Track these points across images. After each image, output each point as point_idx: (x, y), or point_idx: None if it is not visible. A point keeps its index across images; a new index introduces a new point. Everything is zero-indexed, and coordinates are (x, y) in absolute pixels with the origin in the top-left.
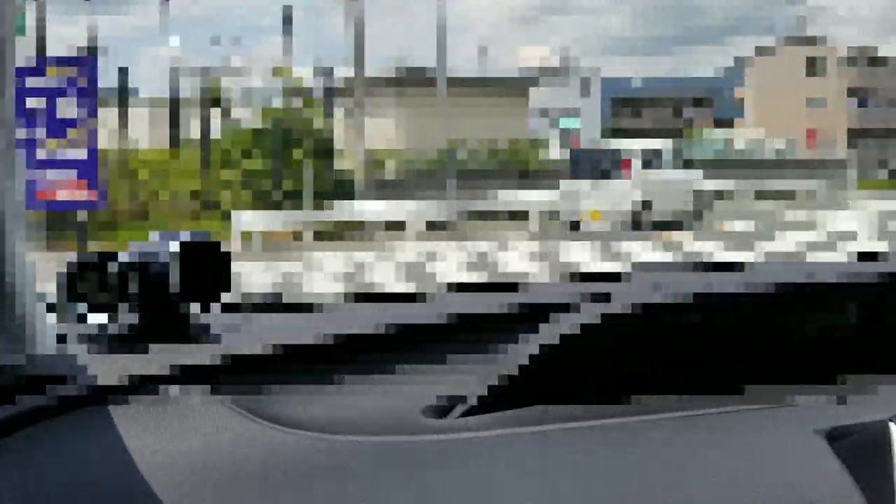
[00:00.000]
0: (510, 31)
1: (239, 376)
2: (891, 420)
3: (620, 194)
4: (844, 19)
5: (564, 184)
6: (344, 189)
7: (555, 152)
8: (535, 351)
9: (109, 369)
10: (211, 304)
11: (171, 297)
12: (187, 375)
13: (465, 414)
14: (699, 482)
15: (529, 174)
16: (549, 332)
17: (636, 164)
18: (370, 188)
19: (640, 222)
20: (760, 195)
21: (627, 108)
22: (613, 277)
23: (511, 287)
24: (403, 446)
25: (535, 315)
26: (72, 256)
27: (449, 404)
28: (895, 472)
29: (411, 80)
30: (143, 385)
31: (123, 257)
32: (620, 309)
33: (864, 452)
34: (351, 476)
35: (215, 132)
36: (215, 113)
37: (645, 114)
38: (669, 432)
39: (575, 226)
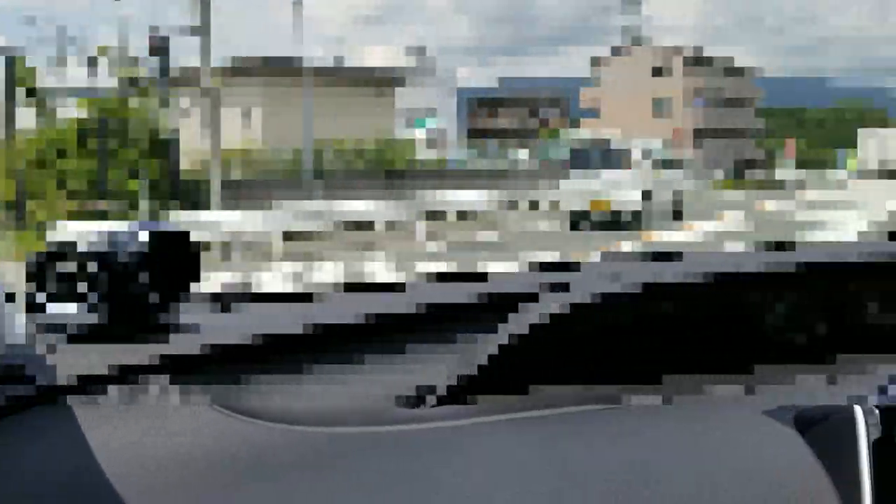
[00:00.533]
0: (356, 30)
1: (213, 368)
2: (855, 403)
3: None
4: (672, 28)
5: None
6: (189, 195)
7: (422, 153)
8: (504, 341)
9: (76, 361)
10: (180, 294)
11: (139, 288)
12: (159, 368)
13: (437, 404)
14: (669, 468)
15: (398, 174)
16: (517, 322)
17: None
18: (225, 193)
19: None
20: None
21: (483, 108)
22: (574, 267)
23: (480, 277)
24: (377, 437)
25: (501, 305)
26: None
27: (421, 394)
28: (860, 455)
29: (272, 70)
30: (113, 377)
31: (92, 247)
32: (580, 298)
33: (831, 435)
34: (326, 467)
35: (29, 126)
36: (30, 104)
37: (501, 114)
38: (636, 419)
39: (574, 226)
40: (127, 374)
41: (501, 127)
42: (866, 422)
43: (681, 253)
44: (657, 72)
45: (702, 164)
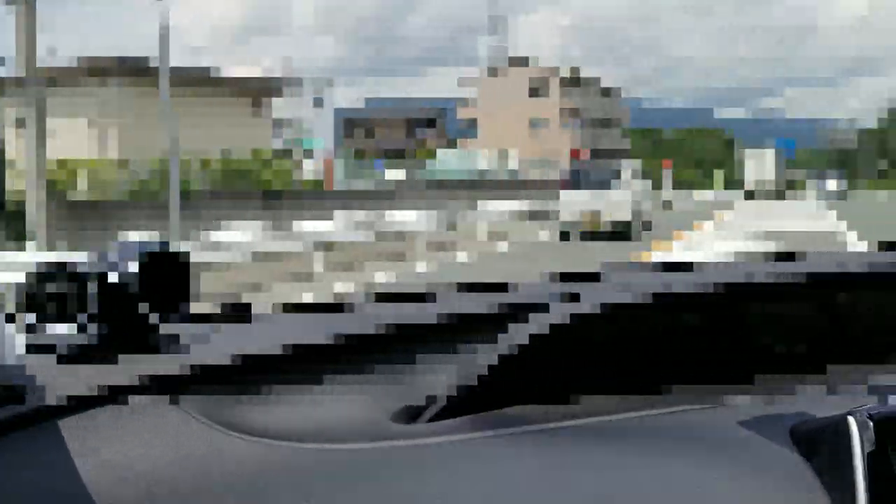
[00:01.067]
0: (222, 45)
1: (205, 386)
2: (849, 414)
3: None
4: (532, 47)
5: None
6: (13, 221)
7: (306, 172)
8: (504, 351)
9: (71, 381)
10: (171, 313)
11: (136, 306)
12: (152, 386)
13: (435, 418)
14: (672, 482)
15: (277, 195)
16: (518, 333)
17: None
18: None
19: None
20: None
21: (360, 128)
22: (591, 277)
23: (498, 287)
24: (371, 453)
25: (512, 315)
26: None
27: (418, 408)
28: (854, 466)
29: (131, 71)
30: (106, 397)
31: (84, 267)
32: (589, 309)
33: (826, 447)
34: (319, 484)
35: None
36: None
37: (378, 133)
38: (644, 432)
39: (565, 236)
40: (120, 394)
41: (381, 147)
42: (860, 433)
43: (690, 263)
44: (534, 92)
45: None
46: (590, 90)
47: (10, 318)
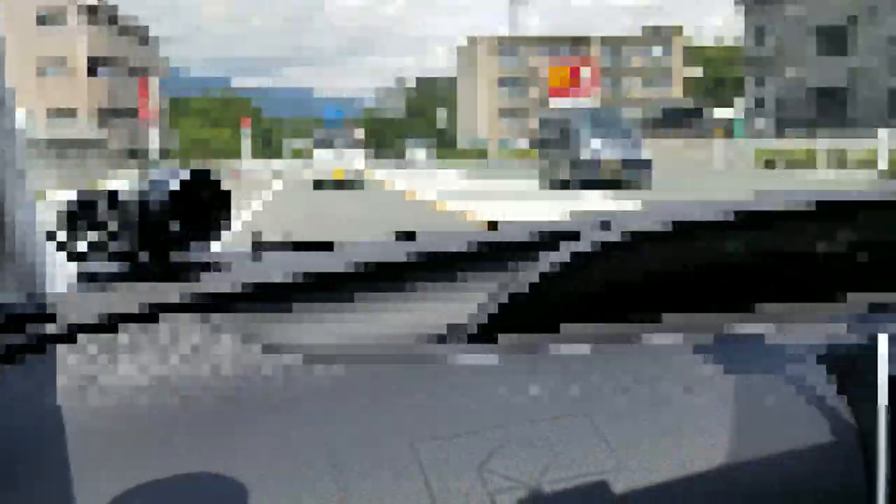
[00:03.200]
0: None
1: (243, 306)
2: (880, 333)
3: None
4: None
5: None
6: None
7: None
8: (535, 279)
9: (105, 303)
10: (210, 234)
11: (169, 233)
12: (189, 306)
13: (468, 341)
14: (688, 403)
15: None
16: (547, 260)
17: None
18: None
19: None
20: None
21: None
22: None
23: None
24: (397, 372)
25: (543, 244)
26: (71, 194)
27: (450, 332)
28: (878, 387)
29: None
30: (141, 316)
31: (124, 195)
32: (620, 237)
33: (851, 369)
34: (343, 400)
35: None
36: None
37: None
38: (668, 356)
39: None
40: (156, 313)
41: None
42: (888, 355)
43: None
44: (42, 20)
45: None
46: (125, 32)
47: (51, 236)
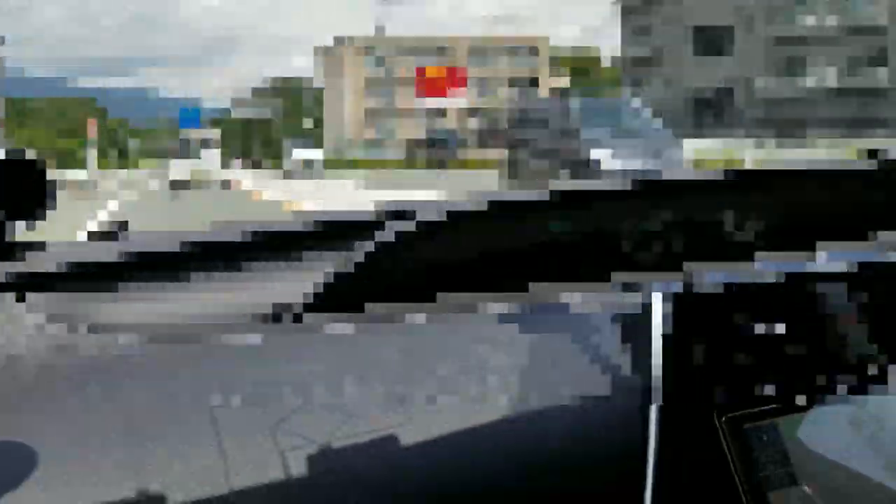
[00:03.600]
0: None
1: (66, 286)
2: (653, 293)
3: None
4: None
5: None
6: None
7: None
8: (360, 259)
9: None
10: (26, 217)
11: None
12: (9, 285)
13: (297, 318)
14: (498, 361)
15: None
16: (364, 243)
17: None
18: None
19: None
20: None
21: None
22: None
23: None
24: (227, 349)
25: (357, 226)
26: None
27: (277, 311)
28: (653, 338)
29: None
30: None
31: None
32: (416, 227)
33: (633, 326)
34: (166, 378)
35: None
36: None
37: None
38: (466, 322)
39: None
40: None
41: None
42: (662, 310)
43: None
44: None
45: None
46: None
47: None
